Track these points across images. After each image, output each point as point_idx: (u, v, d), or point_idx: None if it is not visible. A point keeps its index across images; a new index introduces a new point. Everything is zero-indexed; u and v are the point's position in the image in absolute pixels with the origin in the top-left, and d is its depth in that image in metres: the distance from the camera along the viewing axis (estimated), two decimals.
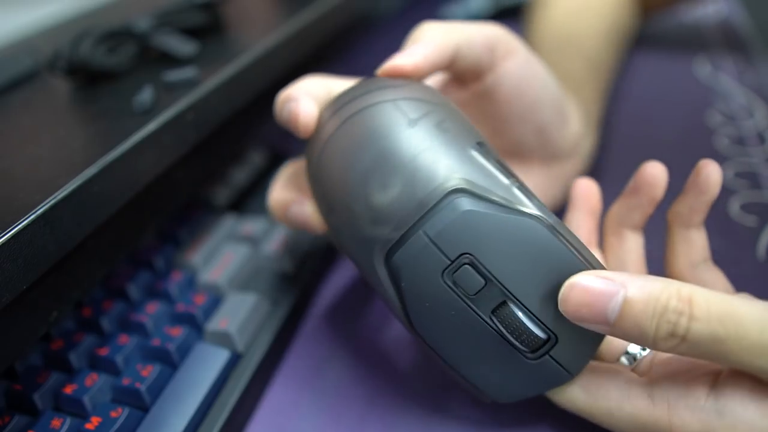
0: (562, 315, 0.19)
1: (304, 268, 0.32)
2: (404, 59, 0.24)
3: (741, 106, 0.41)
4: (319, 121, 0.24)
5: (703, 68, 0.46)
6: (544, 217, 0.19)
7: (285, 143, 0.47)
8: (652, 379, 0.20)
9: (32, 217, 0.21)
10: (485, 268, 0.19)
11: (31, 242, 0.21)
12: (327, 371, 0.28)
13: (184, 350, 0.27)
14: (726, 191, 0.34)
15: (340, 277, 0.33)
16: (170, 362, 0.27)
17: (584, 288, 0.18)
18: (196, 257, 0.33)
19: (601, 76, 0.38)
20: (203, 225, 0.35)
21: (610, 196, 0.35)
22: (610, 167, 0.37)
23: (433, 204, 0.19)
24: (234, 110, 0.33)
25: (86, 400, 0.25)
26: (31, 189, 0.23)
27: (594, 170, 0.37)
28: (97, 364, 0.27)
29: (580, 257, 0.19)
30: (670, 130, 0.40)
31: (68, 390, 0.25)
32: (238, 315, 0.28)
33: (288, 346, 0.29)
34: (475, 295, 0.20)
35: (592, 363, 0.22)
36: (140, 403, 0.25)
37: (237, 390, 0.26)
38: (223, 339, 0.27)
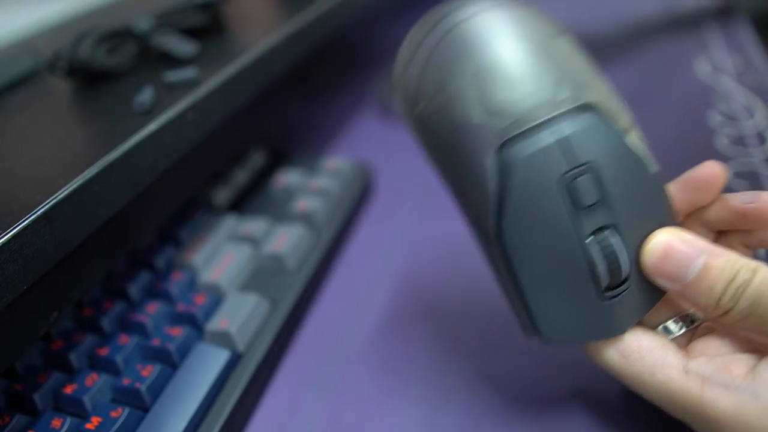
0: (638, 265, 0.20)
1: (304, 268, 0.32)
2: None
3: (741, 106, 0.41)
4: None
5: (703, 68, 0.46)
6: (655, 164, 0.20)
7: (285, 143, 0.47)
8: (690, 353, 0.20)
9: (32, 217, 0.21)
10: (603, 182, 0.19)
11: (31, 242, 0.21)
12: (327, 371, 0.28)
13: (184, 350, 0.27)
14: (726, 191, 0.34)
15: (340, 278, 0.33)
16: (170, 362, 0.27)
17: (673, 244, 0.19)
18: (196, 257, 0.33)
19: None
20: (203, 225, 0.35)
21: None
22: None
23: (566, 109, 0.19)
24: (234, 110, 0.33)
25: (86, 400, 0.25)
26: (31, 189, 0.23)
27: None
28: (97, 364, 0.27)
29: (673, 214, 0.20)
30: (670, 130, 0.40)
31: (68, 390, 0.25)
32: (239, 315, 0.28)
33: (288, 346, 0.29)
34: (583, 209, 0.19)
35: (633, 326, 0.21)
36: (140, 403, 0.25)
37: (237, 390, 0.26)
38: (223, 339, 0.27)
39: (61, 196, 0.22)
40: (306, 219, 0.35)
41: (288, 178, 0.39)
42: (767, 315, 0.18)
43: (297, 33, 0.38)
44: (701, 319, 0.22)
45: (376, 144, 0.46)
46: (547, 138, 0.19)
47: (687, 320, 0.22)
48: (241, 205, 0.38)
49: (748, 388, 0.18)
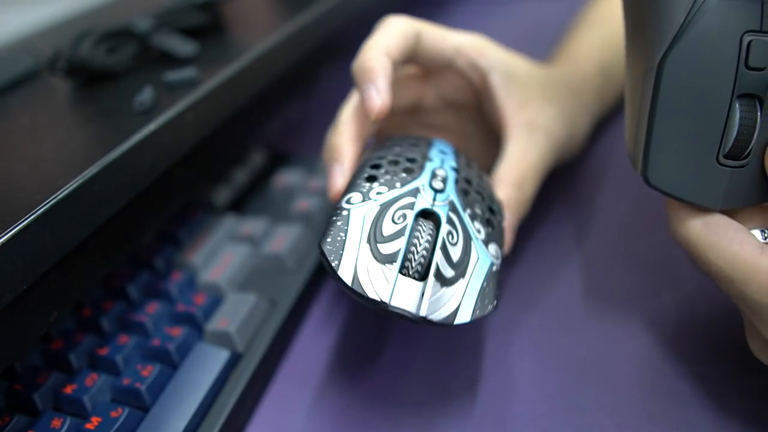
0: (760, 152, 0.20)
1: (303, 268, 0.32)
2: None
3: None
4: None
5: None
6: None
7: (285, 143, 0.47)
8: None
9: (32, 217, 0.21)
10: None
11: (31, 242, 0.21)
12: (327, 371, 0.28)
13: (184, 350, 0.27)
14: None
15: None
16: (170, 362, 0.27)
17: None
18: (196, 257, 0.33)
19: (619, 78, 0.38)
20: (203, 225, 0.35)
21: (611, 196, 0.35)
22: (610, 167, 0.37)
23: None
24: (234, 110, 0.33)
25: (86, 400, 0.25)
26: (31, 189, 0.23)
27: (594, 171, 0.37)
28: (97, 364, 0.27)
29: None
30: None
31: (68, 390, 0.25)
32: (238, 315, 0.28)
33: (288, 346, 0.29)
34: (753, 69, 0.19)
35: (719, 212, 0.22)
36: (140, 403, 0.25)
37: (237, 390, 0.26)
38: (223, 339, 0.27)
39: (61, 196, 0.22)
40: (306, 219, 0.35)
41: (288, 178, 0.39)
42: None
43: (297, 33, 0.38)
44: None
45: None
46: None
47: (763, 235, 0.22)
48: (240, 205, 0.38)
49: None
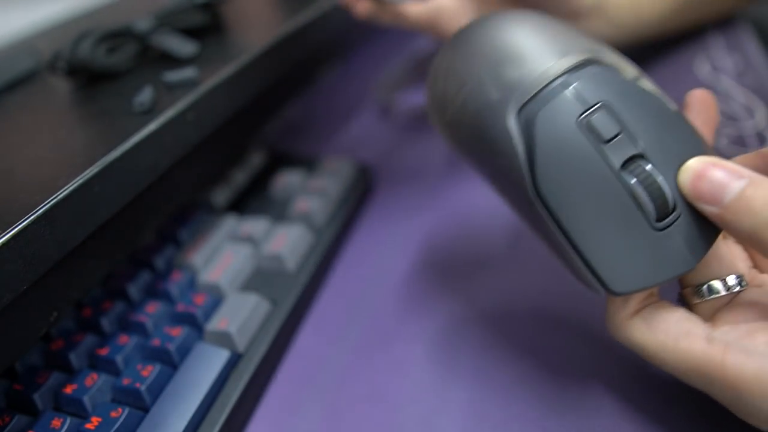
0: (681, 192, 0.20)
1: (304, 268, 0.32)
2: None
3: (741, 106, 0.41)
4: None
5: (703, 68, 0.46)
6: (670, 101, 0.21)
7: (285, 143, 0.47)
8: (715, 324, 0.20)
9: (32, 217, 0.21)
10: (620, 116, 0.20)
11: (31, 242, 0.21)
12: (327, 371, 0.28)
13: (184, 350, 0.27)
14: None
15: (340, 278, 0.33)
16: (170, 362, 0.27)
17: (708, 166, 0.19)
18: (196, 257, 0.33)
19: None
20: (203, 225, 0.35)
21: None
22: None
23: (571, 65, 0.21)
24: (234, 110, 0.33)
25: (86, 400, 0.25)
26: (31, 189, 0.23)
27: None
28: (97, 364, 0.27)
29: (707, 146, 0.21)
30: None
31: (68, 390, 0.25)
32: (238, 315, 0.28)
33: (288, 346, 0.29)
34: (608, 142, 0.20)
35: (657, 300, 0.21)
36: (140, 403, 0.25)
37: (237, 390, 0.26)
38: (223, 339, 0.27)
39: (61, 196, 0.22)
40: (306, 219, 0.35)
41: (287, 178, 0.39)
42: None
43: (297, 33, 0.38)
44: (747, 284, 0.22)
45: (375, 144, 0.46)
46: (558, 90, 0.20)
47: (731, 282, 0.21)
48: (240, 205, 0.38)
49: None
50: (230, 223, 0.35)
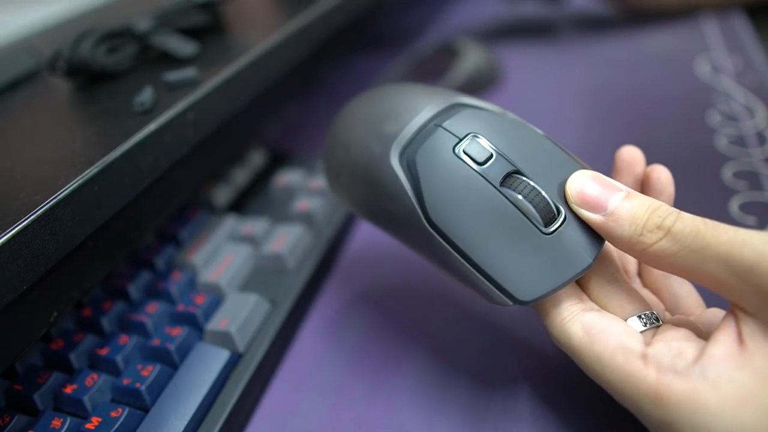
0: (563, 199, 0.21)
1: (304, 268, 0.32)
2: None
3: (741, 106, 0.41)
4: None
5: (703, 68, 0.46)
6: (536, 128, 0.23)
7: (285, 143, 0.47)
8: (650, 343, 0.20)
9: (32, 217, 0.21)
10: (490, 142, 0.22)
11: (31, 242, 0.21)
12: (327, 371, 0.28)
13: (184, 350, 0.27)
14: (726, 191, 0.34)
15: (340, 277, 0.33)
16: (170, 362, 0.27)
17: (592, 178, 0.21)
18: (196, 257, 0.33)
19: None
20: (203, 225, 0.35)
21: None
22: (610, 167, 0.37)
23: (440, 110, 0.23)
24: (234, 110, 0.33)
25: (86, 400, 0.25)
26: (32, 189, 0.23)
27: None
28: (97, 364, 0.27)
29: (574, 158, 0.23)
30: (670, 130, 0.40)
31: (68, 390, 0.25)
32: (239, 315, 0.28)
33: (288, 346, 0.29)
34: (484, 163, 0.21)
35: (603, 310, 0.21)
36: (140, 403, 0.25)
37: (237, 390, 0.26)
38: (223, 339, 0.27)
39: (61, 196, 0.22)
40: (306, 219, 0.35)
41: (288, 178, 0.39)
42: (704, 248, 0.18)
43: (297, 33, 0.38)
44: (664, 320, 0.22)
45: None
46: (431, 130, 0.23)
47: (651, 318, 0.21)
48: (241, 205, 0.38)
49: (697, 369, 0.18)
50: (230, 223, 0.35)
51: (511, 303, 0.21)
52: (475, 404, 0.25)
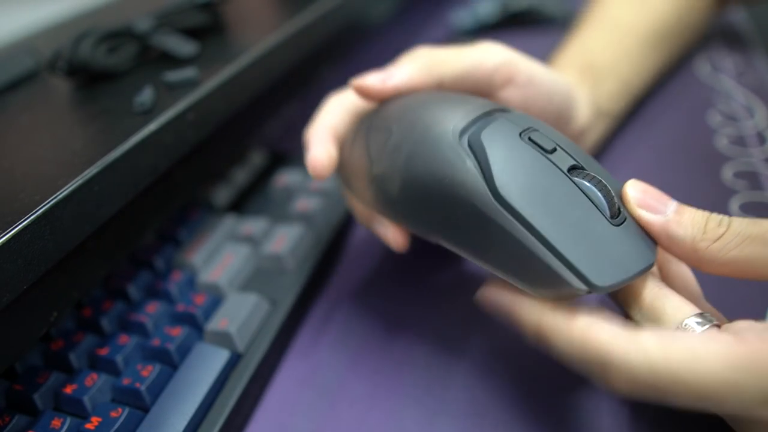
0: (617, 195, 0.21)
1: (304, 268, 0.32)
2: (374, 81, 0.27)
3: (741, 106, 0.41)
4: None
5: (703, 68, 0.46)
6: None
7: (285, 143, 0.47)
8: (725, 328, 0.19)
9: (32, 217, 0.21)
10: (552, 137, 0.22)
11: (31, 242, 0.21)
12: (327, 371, 0.28)
13: (184, 350, 0.27)
14: (726, 191, 0.34)
15: (340, 278, 0.33)
16: (170, 362, 0.27)
17: (647, 185, 0.22)
18: (196, 257, 0.33)
19: (625, 70, 0.38)
20: (203, 225, 0.35)
21: None
22: (610, 168, 0.37)
23: (492, 108, 0.23)
24: (234, 110, 0.33)
25: (86, 400, 0.25)
26: (31, 189, 0.23)
27: None
28: (97, 364, 0.27)
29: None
30: (670, 130, 0.40)
31: (68, 390, 0.25)
32: (238, 315, 0.28)
33: (288, 346, 0.29)
34: (550, 153, 0.21)
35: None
36: (140, 403, 0.25)
37: (237, 390, 0.26)
38: (223, 339, 0.27)
39: (61, 196, 0.22)
40: (306, 219, 0.35)
41: (288, 178, 0.39)
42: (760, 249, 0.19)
43: (297, 33, 0.39)
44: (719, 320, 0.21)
45: None
46: (493, 118, 0.23)
47: (708, 317, 0.20)
48: (240, 205, 0.38)
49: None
50: (230, 223, 0.35)
51: (584, 289, 0.19)
52: (475, 404, 0.25)
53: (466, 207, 0.21)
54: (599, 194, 0.21)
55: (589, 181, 0.21)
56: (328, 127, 0.28)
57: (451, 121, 0.23)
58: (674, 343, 0.18)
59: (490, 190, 0.21)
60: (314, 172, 0.27)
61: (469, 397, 0.25)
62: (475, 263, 0.22)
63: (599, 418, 0.23)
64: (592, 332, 0.19)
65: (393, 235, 0.27)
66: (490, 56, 0.28)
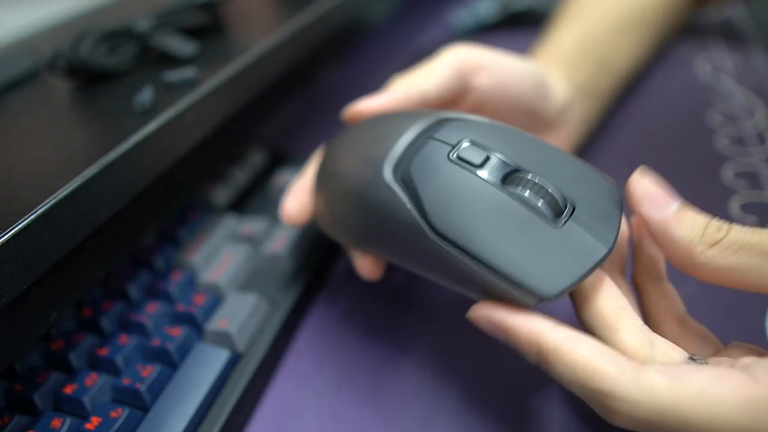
0: (571, 188, 0.21)
1: (304, 268, 0.32)
2: (366, 105, 0.28)
3: (741, 106, 0.41)
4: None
5: (703, 68, 0.46)
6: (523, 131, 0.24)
7: (285, 143, 0.47)
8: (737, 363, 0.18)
9: (32, 217, 0.21)
10: (484, 146, 0.22)
11: (31, 242, 0.21)
12: (327, 371, 0.28)
13: (184, 350, 0.27)
14: (726, 191, 0.34)
15: (340, 277, 0.33)
16: (170, 362, 0.27)
17: (655, 180, 0.21)
18: (196, 257, 0.33)
19: (598, 52, 0.39)
20: (203, 225, 0.35)
21: None
22: (610, 167, 0.37)
23: (427, 125, 0.23)
24: (234, 110, 0.33)
25: (86, 400, 0.25)
26: (31, 189, 0.23)
27: None
28: (97, 364, 0.27)
29: (567, 154, 0.23)
30: (670, 130, 0.40)
31: (68, 390, 0.25)
32: (238, 315, 0.28)
33: (288, 346, 0.29)
34: (481, 166, 0.21)
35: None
36: (140, 403, 0.25)
37: (237, 390, 0.26)
38: (223, 339, 0.27)
39: (61, 196, 0.22)
40: None
41: (288, 178, 0.39)
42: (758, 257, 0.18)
43: (297, 33, 0.39)
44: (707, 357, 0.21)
45: None
46: (422, 143, 0.22)
47: (699, 358, 0.19)
48: (240, 205, 0.38)
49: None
50: (230, 223, 0.35)
51: (536, 300, 0.19)
52: (475, 404, 0.25)
53: (412, 243, 0.22)
54: (536, 199, 0.20)
55: (523, 187, 0.21)
56: (311, 177, 0.30)
57: (383, 158, 0.23)
58: (683, 382, 0.17)
59: (428, 226, 0.21)
60: (285, 222, 0.29)
61: (470, 397, 0.25)
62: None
63: (597, 420, 0.23)
64: (596, 362, 0.18)
65: (361, 266, 0.28)
66: (455, 55, 0.29)
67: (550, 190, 0.20)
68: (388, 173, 0.22)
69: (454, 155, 0.21)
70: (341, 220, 0.26)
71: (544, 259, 0.19)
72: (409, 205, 0.21)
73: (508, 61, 0.31)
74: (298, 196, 0.29)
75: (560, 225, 0.20)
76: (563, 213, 0.20)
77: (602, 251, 0.20)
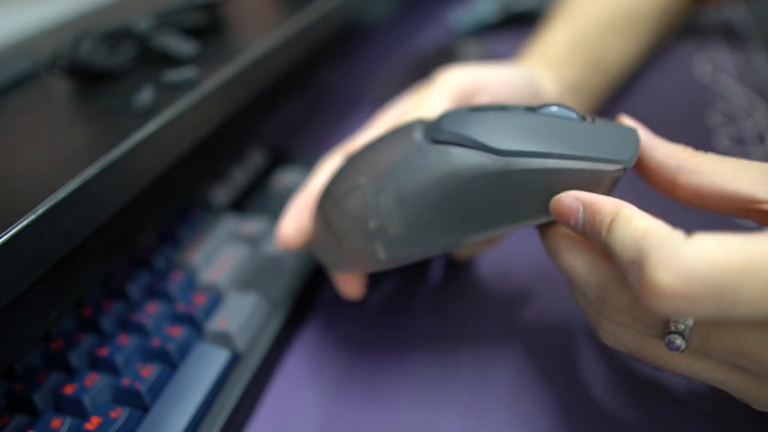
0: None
1: (304, 269, 0.32)
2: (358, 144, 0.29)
3: (741, 106, 0.41)
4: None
5: (702, 68, 0.46)
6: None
7: (285, 143, 0.47)
8: None
9: (32, 217, 0.21)
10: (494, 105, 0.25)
11: (31, 242, 0.21)
12: (327, 371, 0.28)
13: (184, 350, 0.27)
14: None
15: None
16: (170, 362, 0.27)
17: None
18: (196, 257, 0.33)
19: (589, 49, 0.40)
20: (203, 225, 0.35)
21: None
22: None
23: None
24: (234, 110, 0.33)
25: (86, 400, 0.25)
26: (31, 189, 0.23)
27: None
28: (97, 364, 0.27)
29: None
30: (670, 130, 0.40)
31: (68, 390, 0.25)
32: (238, 315, 0.28)
33: (288, 346, 0.29)
34: (504, 108, 0.24)
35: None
36: (140, 403, 0.25)
37: (237, 390, 0.26)
38: (223, 339, 0.27)
39: (61, 196, 0.22)
40: None
41: (287, 178, 0.39)
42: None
43: (297, 33, 0.39)
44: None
45: None
46: (443, 114, 0.25)
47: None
48: (240, 205, 0.38)
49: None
50: (230, 223, 0.35)
51: (620, 169, 0.21)
52: (475, 404, 0.25)
53: (479, 183, 0.22)
54: (561, 109, 0.23)
55: (549, 106, 0.23)
56: (313, 195, 0.29)
57: (407, 138, 0.24)
58: (735, 240, 0.15)
59: (493, 152, 0.22)
60: (280, 246, 0.29)
61: (470, 397, 0.25)
62: (511, 231, 0.25)
63: (600, 419, 0.23)
64: (662, 230, 0.17)
65: (343, 285, 0.28)
66: (449, 82, 0.30)
67: (570, 106, 0.23)
68: (425, 141, 0.24)
69: (474, 108, 0.24)
70: (382, 228, 0.24)
71: (601, 142, 0.22)
72: (461, 150, 0.22)
73: (501, 74, 0.31)
74: (296, 216, 0.28)
75: (593, 122, 0.23)
76: (585, 119, 0.23)
77: (635, 134, 0.22)
